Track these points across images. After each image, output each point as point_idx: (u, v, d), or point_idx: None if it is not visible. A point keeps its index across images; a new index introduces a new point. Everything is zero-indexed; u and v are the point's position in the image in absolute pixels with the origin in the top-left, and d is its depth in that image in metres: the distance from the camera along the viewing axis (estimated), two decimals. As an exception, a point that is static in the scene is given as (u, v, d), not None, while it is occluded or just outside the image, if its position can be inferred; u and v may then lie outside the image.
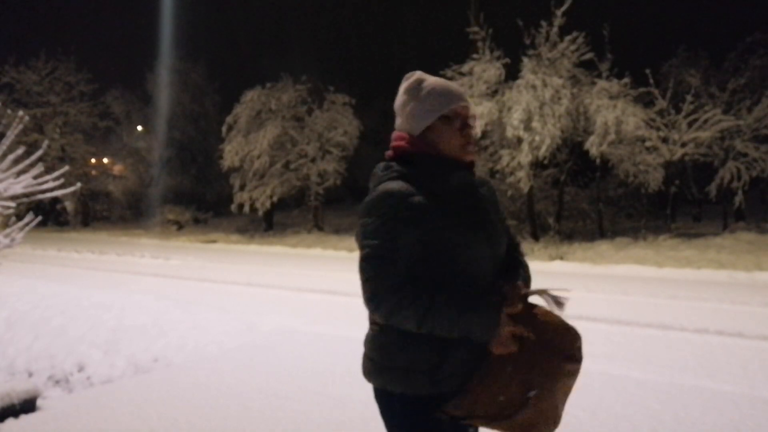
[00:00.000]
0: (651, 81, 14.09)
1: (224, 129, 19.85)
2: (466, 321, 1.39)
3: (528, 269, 1.68)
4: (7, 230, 4.78)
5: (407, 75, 1.63)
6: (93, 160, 30.14)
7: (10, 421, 3.37)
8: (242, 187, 19.86)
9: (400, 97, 1.61)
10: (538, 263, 10.91)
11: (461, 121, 1.56)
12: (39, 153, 4.98)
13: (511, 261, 1.66)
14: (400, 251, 1.43)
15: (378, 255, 1.43)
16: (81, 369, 4.29)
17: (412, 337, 1.46)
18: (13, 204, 4.82)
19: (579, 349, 1.48)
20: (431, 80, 1.60)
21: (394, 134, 1.62)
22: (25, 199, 5.09)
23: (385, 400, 1.56)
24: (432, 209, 1.46)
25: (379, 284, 1.42)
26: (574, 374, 1.47)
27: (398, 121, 1.62)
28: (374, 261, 1.43)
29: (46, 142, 5.85)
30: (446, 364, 1.46)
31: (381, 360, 1.53)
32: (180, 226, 24.66)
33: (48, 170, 5.12)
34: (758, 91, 14.94)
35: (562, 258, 12.14)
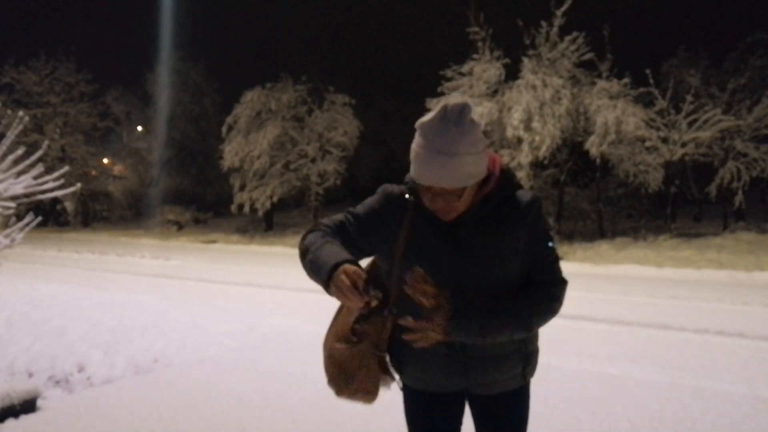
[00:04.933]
0: (651, 81, 14.08)
1: (224, 129, 19.84)
2: (314, 266, 1.48)
3: (531, 305, 1.50)
4: (7, 230, 4.78)
5: (450, 110, 1.42)
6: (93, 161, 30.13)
7: (10, 422, 3.37)
8: (242, 188, 19.86)
9: (471, 154, 1.42)
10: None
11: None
12: (39, 153, 4.97)
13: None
14: (356, 225, 1.62)
15: (343, 212, 1.67)
16: (81, 369, 4.29)
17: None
18: (13, 204, 4.81)
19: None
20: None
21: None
22: (25, 200, 5.08)
23: None
24: (398, 219, 1.57)
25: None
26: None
27: (483, 171, 1.48)
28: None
29: (46, 143, 5.83)
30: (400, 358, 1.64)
31: None
32: (180, 227, 24.65)
33: (48, 170, 5.11)
34: (758, 91, 14.93)
35: (562, 258, 12.08)
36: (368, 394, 1.68)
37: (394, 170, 27.66)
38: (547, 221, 1.62)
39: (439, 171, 1.39)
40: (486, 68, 14.69)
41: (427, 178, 1.42)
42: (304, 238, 1.60)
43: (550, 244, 1.57)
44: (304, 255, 1.55)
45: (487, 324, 1.44)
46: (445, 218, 1.51)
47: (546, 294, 1.53)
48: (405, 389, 1.72)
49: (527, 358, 1.64)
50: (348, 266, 1.38)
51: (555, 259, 1.58)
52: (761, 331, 5.59)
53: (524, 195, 1.57)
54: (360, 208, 1.65)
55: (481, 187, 1.53)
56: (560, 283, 1.56)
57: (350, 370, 1.63)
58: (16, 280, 8.25)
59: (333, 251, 1.47)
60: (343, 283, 1.36)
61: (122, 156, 30.53)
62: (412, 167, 1.48)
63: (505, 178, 1.58)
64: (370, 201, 1.65)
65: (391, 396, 3.46)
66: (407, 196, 1.59)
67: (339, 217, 1.66)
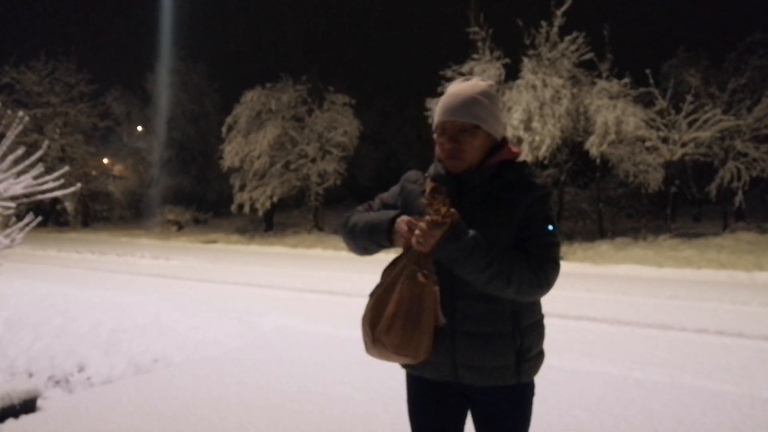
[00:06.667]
0: (651, 81, 14.09)
1: (224, 129, 19.85)
2: (368, 227, 1.68)
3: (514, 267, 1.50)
4: (7, 231, 4.78)
5: (476, 78, 1.70)
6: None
7: (10, 422, 3.37)
8: (242, 188, 19.87)
9: (487, 101, 1.62)
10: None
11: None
12: (39, 153, 4.97)
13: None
14: (381, 207, 1.81)
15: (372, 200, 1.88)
16: (81, 369, 4.29)
17: None
18: (13, 204, 4.81)
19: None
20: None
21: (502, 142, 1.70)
22: (25, 200, 5.08)
23: None
24: (412, 197, 1.71)
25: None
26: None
27: (493, 127, 1.63)
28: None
29: (46, 143, 5.82)
30: None
31: None
32: (180, 227, 24.66)
33: (48, 171, 5.11)
34: (758, 91, 14.95)
35: (562, 258, 12.09)
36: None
37: (394, 170, 27.70)
38: (553, 211, 1.64)
39: (453, 105, 1.61)
40: (486, 68, 14.70)
41: (442, 113, 1.63)
42: (346, 223, 1.79)
43: (550, 227, 1.58)
44: (353, 229, 1.73)
45: (471, 256, 1.47)
46: (453, 168, 1.62)
47: (534, 265, 1.52)
48: (406, 379, 1.79)
49: (521, 352, 1.59)
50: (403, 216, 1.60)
51: (553, 242, 1.58)
52: (761, 331, 5.60)
53: (535, 181, 1.64)
54: (385, 193, 1.86)
55: (493, 154, 1.64)
56: (551, 261, 1.55)
57: (422, 305, 1.56)
58: (16, 280, 8.25)
59: (382, 213, 1.69)
60: (404, 220, 1.57)
61: (122, 156, 30.54)
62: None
63: (523, 164, 1.68)
64: (394, 186, 1.85)
65: (391, 396, 3.46)
66: (425, 174, 1.74)
67: (368, 202, 1.88)
